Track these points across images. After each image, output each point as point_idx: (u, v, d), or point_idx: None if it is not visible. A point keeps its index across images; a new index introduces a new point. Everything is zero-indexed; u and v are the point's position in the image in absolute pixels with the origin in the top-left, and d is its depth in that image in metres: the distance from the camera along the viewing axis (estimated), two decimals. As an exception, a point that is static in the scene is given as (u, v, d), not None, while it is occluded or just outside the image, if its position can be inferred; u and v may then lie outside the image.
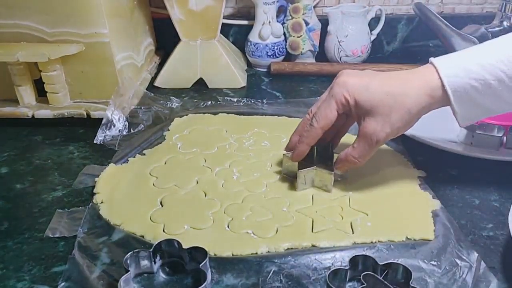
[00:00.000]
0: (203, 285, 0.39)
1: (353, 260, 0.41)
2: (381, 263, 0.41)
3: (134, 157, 0.61)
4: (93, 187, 0.55)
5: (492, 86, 0.46)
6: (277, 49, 0.89)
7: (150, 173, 0.57)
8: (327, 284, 0.39)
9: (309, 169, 0.53)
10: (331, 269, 0.40)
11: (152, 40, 0.92)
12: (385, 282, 0.39)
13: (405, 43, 0.99)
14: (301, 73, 0.89)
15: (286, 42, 0.91)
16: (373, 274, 0.39)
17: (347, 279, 0.41)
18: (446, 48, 0.86)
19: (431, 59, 0.50)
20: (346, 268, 0.41)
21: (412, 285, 0.38)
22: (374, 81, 0.49)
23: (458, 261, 0.43)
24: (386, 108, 0.48)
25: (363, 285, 0.39)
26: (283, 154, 0.56)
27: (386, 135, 0.49)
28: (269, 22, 0.87)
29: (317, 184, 0.54)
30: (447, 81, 0.47)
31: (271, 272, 0.42)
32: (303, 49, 0.90)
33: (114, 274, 0.42)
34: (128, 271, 0.40)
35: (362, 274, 0.39)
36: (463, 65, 0.47)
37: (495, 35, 0.83)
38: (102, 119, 0.65)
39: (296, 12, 0.88)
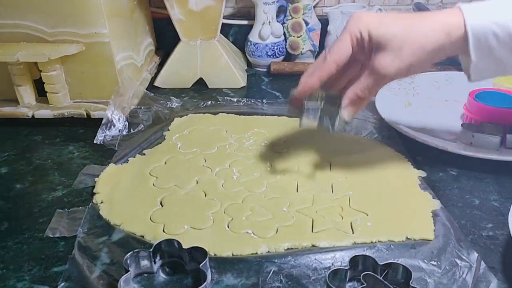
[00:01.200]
0: (203, 285, 0.39)
1: (353, 260, 0.41)
2: (381, 263, 0.40)
3: (134, 157, 0.61)
4: (93, 187, 0.55)
5: None
6: (277, 49, 0.89)
7: (150, 173, 0.57)
8: (327, 284, 0.39)
9: (316, 104, 0.51)
10: (331, 269, 0.40)
11: (152, 40, 0.92)
12: (385, 282, 0.39)
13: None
14: (301, 73, 0.87)
15: (286, 42, 0.91)
16: (373, 274, 0.39)
17: (347, 279, 0.41)
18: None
19: (459, 3, 0.47)
20: (346, 268, 0.41)
21: (412, 285, 0.38)
22: (389, 17, 0.48)
23: (458, 261, 0.43)
24: (399, 42, 0.46)
25: (363, 285, 0.39)
26: (291, 96, 0.53)
27: (395, 71, 0.47)
28: (269, 22, 0.87)
29: (321, 123, 0.51)
30: (470, 21, 0.45)
31: (271, 272, 0.42)
32: (303, 49, 0.90)
33: (114, 274, 0.42)
34: (128, 271, 0.40)
35: (362, 274, 0.39)
36: (489, 10, 0.46)
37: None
38: (102, 119, 0.65)
39: (296, 12, 0.88)
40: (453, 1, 0.99)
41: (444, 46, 0.46)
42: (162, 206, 0.51)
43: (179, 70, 0.83)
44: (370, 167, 0.58)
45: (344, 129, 0.51)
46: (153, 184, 0.55)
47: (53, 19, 0.66)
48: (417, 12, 0.48)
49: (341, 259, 0.44)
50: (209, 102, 0.76)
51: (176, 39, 0.82)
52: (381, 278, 0.39)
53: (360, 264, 0.41)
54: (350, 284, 0.42)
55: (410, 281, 0.39)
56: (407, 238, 0.46)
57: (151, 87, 0.83)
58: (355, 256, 0.42)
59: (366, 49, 0.49)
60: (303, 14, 0.88)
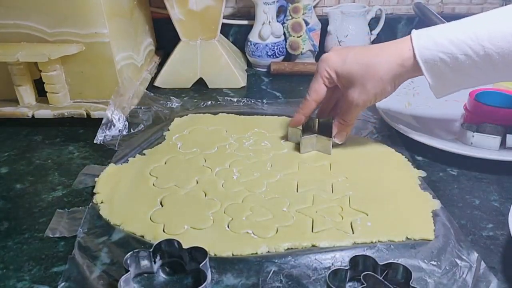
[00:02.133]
0: (203, 285, 0.39)
1: (353, 260, 0.41)
2: (381, 263, 0.40)
3: (134, 157, 0.61)
4: (93, 187, 0.55)
5: (459, 60, 0.50)
6: (277, 49, 0.89)
7: (150, 173, 0.57)
8: (327, 284, 0.39)
9: (311, 136, 0.61)
10: (331, 269, 0.40)
11: (152, 40, 0.92)
12: (385, 282, 0.39)
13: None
14: (301, 73, 0.89)
15: (286, 42, 0.91)
16: (373, 274, 0.39)
17: (347, 279, 0.41)
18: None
19: (413, 30, 0.54)
20: (346, 268, 0.41)
21: (412, 285, 0.38)
22: (350, 54, 0.56)
23: (458, 261, 0.43)
24: (361, 77, 0.54)
25: (363, 285, 0.39)
26: (288, 127, 0.64)
27: (363, 102, 0.56)
28: (269, 22, 0.87)
29: (319, 149, 0.61)
30: (418, 51, 0.52)
31: (271, 272, 0.42)
32: (303, 49, 0.90)
33: (114, 274, 0.42)
34: (128, 271, 0.40)
35: (362, 274, 0.39)
36: (436, 38, 0.51)
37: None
38: (102, 119, 0.65)
39: (296, 12, 0.88)
40: (453, 1, 0.99)
41: (401, 74, 0.54)
42: (162, 206, 0.51)
43: (179, 70, 0.83)
44: (370, 167, 0.58)
45: (338, 142, 0.62)
46: (153, 184, 0.55)
47: (53, 19, 0.66)
48: (375, 45, 0.58)
49: (341, 259, 0.44)
50: (209, 102, 0.76)
51: (176, 39, 0.82)
52: (381, 278, 0.39)
53: (360, 264, 0.41)
54: (350, 284, 0.42)
55: (410, 281, 0.39)
56: (407, 238, 0.46)
57: (151, 87, 0.83)
58: (355, 256, 0.42)
59: (338, 83, 0.58)
60: (303, 14, 0.88)
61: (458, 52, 0.50)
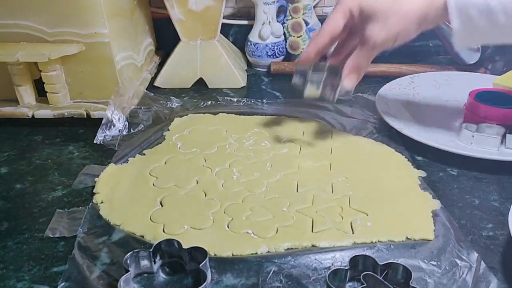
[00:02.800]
0: (203, 285, 0.39)
1: (353, 260, 0.41)
2: (381, 263, 0.40)
3: (134, 157, 0.61)
4: (93, 187, 0.55)
5: (491, 6, 0.48)
6: (277, 49, 0.89)
7: (150, 173, 0.57)
8: (327, 284, 0.39)
9: (320, 73, 0.55)
10: (331, 269, 0.40)
11: (152, 40, 0.92)
12: (385, 282, 0.39)
13: (405, 43, 0.99)
14: (301, 73, 0.89)
15: (286, 42, 0.91)
16: (373, 274, 0.39)
17: (347, 279, 0.41)
18: (446, 48, 0.86)
19: None
20: (346, 268, 0.41)
21: (412, 285, 0.38)
22: None
23: (458, 261, 0.43)
24: (385, 12, 0.50)
25: (363, 285, 0.39)
26: (295, 65, 0.58)
27: (383, 40, 0.52)
28: (269, 22, 0.87)
29: (325, 92, 0.56)
30: None
31: (271, 272, 0.42)
32: (303, 49, 0.90)
33: (114, 274, 0.42)
34: (128, 271, 0.40)
35: (362, 274, 0.39)
36: None
37: (495, 35, 0.84)
38: (102, 119, 0.65)
39: (296, 12, 0.88)
40: (453, 1, 0.99)
41: (427, 14, 0.50)
42: (162, 206, 0.51)
43: (179, 70, 0.83)
44: (370, 167, 0.58)
45: (345, 97, 0.57)
46: (153, 184, 0.55)
47: (53, 19, 0.66)
48: None
49: (341, 259, 0.44)
50: (209, 102, 0.76)
51: (176, 39, 0.82)
52: (381, 278, 0.39)
53: (360, 264, 0.41)
54: (350, 284, 0.42)
55: (410, 281, 0.39)
56: (407, 238, 0.46)
57: (151, 87, 0.83)
58: (355, 256, 0.42)
59: (357, 20, 0.53)
60: (303, 14, 0.88)
61: None
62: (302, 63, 0.57)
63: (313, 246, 0.45)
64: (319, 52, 0.56)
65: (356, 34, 0.56)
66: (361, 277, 0.39)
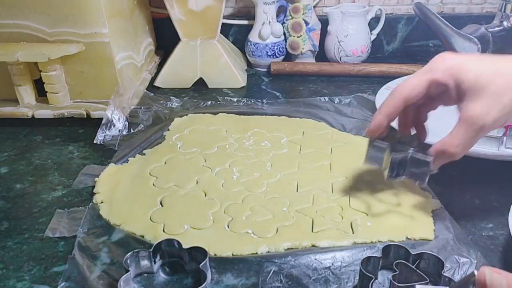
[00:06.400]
0: (203, 285, 0.39)
1: (386, 249, 0.42)
2: (413, 253, 0.41)
3: (134, 157, 0.61)
4: (93, 187, 0.55)
5: None
6: (277, 49, 0.89)
7: (150, 173, 0.57)
8: (360, 271, 0.39)
9: (405, 154, 0.45)
10: (364, 257, 0.40)
11: (152, 40, 0.92)
12: (417, 270, 0.39)
13: (405, 43, 0.99)
14: (301, 73, 0.89)
15: (286, 42, 0.91)
16: (406, 262, 0.40)
17: (379, 268, 0.41)
18: (446, 48, 0.86)
19: None
20: (379, 256, 0.41)
21: (444, 275, 0.39)
22: (480, 60, 0.43)
23: (459, 258, 0.43)
24: (497, 88, 0.41)
25: (395, 273, 0.39)
26: (367, 135, 0.48)
27: (494, 120, 0.41)
28: (269, 22, 0.87)
29: (409, 175, 0.46)
30: None
31: (271, 272, 0.42)
32: (303, 49, 0.90)
33: (114, 274, 0.42)
34: (128, 271, 0.40)
35: (395, 262, 0.40)
36: None
37: (495, 35, 0.84)
38: (102, 119, 0.65)
39: (296, 12, 0.88)
40: (453, 1, 0.99)
41: None
42: (162, 206, 0.51)
43: (179, 70, 0.83)
44: (370, 167, 0.58)
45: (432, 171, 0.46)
46: (153, 184, 0.55)
47: (53, 19, 0.66)
48: (503, 55, 0.45)
49: (341, 259, 0.44)
50: (209, 102, 0.76)
51: (176, 39, 0.82)
52: (413, 267, 0.39)
53: (392, 253, 0.42)
54: (381, 272, 0.42)
55: (443, 271, 0.39)
56: (407, 238, 0.46)
57: (151, 87, 0.83)
58: (388, 245, 0.42)
59: (451, 93, 0.44)
60: (303, 14, 0.88)
61: None
62: (373, 132, 0.47)
63: (313, 246, 0.45)
64: (391, 119, 0.47)
65: (436, 101, 0.47)
66: (393, 265, 0.40)
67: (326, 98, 0.76)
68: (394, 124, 0.49)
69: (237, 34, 0.96)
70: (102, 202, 0.52)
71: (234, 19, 0.96)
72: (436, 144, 0.45)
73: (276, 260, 0.44)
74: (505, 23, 0.84)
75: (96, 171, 0.58)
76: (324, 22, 0.91)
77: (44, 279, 0.43)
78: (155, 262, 0.43)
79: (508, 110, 0.42)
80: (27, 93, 0.69)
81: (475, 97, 0.42)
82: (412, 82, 0.44)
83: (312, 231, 0.47)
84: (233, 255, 0.45)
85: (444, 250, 0.44)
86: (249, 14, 0.96)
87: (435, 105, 0.48)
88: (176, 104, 0.75)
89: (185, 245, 0.42)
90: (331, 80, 0.87)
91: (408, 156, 0.45)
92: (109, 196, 0.53)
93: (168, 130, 0.67)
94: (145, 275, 0.43)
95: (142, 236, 0.47)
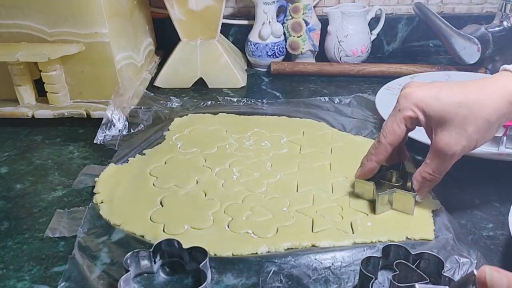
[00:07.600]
0: (203, 285, 0.39)
1: (386, 249, 0.42)
2: (413, 253, 0.41)
3: (134, 157, 0.61)
4: (93, 187, 0.55)
5: None
6: (277, 49, 0.89)
7: (150, 173, 0.57)
8: (360, 271, 0.39)
9: (389, 191, 0.49)
10: (364, 257, 0.41)
11: (152, 40, 0.92)
12: (418, 270, 0.39)
13: (405, 43, 0.99)
14: (301, 73, 0.89)
15: (286, 42, 0.91)
16: (406, 262, 0.40)
17: (379, 267, 0.42)
18: (446, 48, 0.86)
19: (505, 66, 0.47)
20: (379, 256, 0.41)
21: (444, 274, 0.39)
22: (444, 91, 0.46)
23: (459, 258, 0.43)
24: (461, 119, 0.44)
25: (395, 273, 0.39)
26: (355, 178, 0.52)
27: (462, 148, 0.45)
28: (269, 22, 0.87)
29: (397, 207, 0.50)
30: None
31: (271, 272, 0.43)
32: (303, 49, 0.90)
33: (114, 274, 0.42)
34: (128, 271, 0.40)
35: (395, 262, 0.40)
36: None
37: (495, 35, 0.84)
38: (102, 119, 0.65)
39: (296, 12, 0.88)
40: (453, 1, 0.99)
41: (507, 115, 0.45)
42: (162, 206, 0.51)
43: (179, 70, 0.83)
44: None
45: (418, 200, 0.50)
46: (153, 184, 0.55)
47: (53, 19, 0.66)
48: (466, 81, 0.48)
49: (341, 259, 0.44)
50: (209, 102, 0.76)
51: (176, 39, 0.82)
52: (413, 267, 0.39)
53: (392, 253, 0.42)
54: (382, 272, 0.42)
55: (442, 271, 0.39)
56: (407, 238, 0.46)
57: (151, 87, 0.83)
58: (388, 245, 0.42)
59: (423, 126, 0.47)
60: (303, 14, 0.88)
61: None
62: (365, 176, 0.51)
63: (313, 246, 0.45)
64: (381, 163, 0.51)
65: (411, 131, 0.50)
66: (394, 265, 0.40)
67: (326, 98, 0.76)
68: None
69: (237, 34, 0.96)
70: (102, 202, 0.52)
71: (234, 19, 0.96)
72: (415, 176, 0.49)
73: (276, 260, 0.44)
74: (505, 23, 0.84)
75: (96, 171, 0.58)
76: (324, 22, 0.91)
77: (44, 279, 0.43)
78: (155, 262, 0.43)
79: (476, 137, 0.45)
80: (27, 93, 0.69)
81: (442, 129, 0.45)
82: (393, 127, 0.48)
83: (312, 231, 0.47)
84: (233, 255, 0.45)
85: (444, 250, 0.44)
86: (249, 14, 0.96)
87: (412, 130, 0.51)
88: (176, 104, 0.75)
89: (185, 245, 0.42)
90: (331, 80, 0.87)
91: (393, 194, 0.49)
92: (109, 196, 0.53)
93: (168, 130, 0.67)
94: (145, 275, 0.43)
95: (142, 236, 0.47)
